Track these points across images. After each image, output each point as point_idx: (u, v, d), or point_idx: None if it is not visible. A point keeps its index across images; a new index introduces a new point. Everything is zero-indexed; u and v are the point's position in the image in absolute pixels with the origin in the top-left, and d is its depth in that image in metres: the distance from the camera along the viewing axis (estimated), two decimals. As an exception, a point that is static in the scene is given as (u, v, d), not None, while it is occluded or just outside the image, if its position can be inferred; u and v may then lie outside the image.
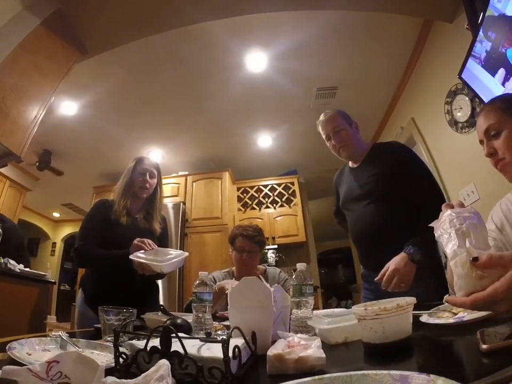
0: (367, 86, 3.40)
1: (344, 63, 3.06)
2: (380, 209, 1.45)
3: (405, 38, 2.83)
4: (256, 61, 2.99)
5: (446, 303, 0.89)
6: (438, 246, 1.41)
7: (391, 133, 3.73)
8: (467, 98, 2.25)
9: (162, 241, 1.66)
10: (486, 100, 1.71)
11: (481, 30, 1.71)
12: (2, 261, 1.87)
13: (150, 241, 1.41)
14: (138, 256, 1.31)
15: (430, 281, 1.31)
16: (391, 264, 1.26)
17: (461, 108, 2.34)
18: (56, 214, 7.24)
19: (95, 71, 3.00)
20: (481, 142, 0.99)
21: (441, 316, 0.80)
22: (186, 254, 1.44)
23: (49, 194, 5.80)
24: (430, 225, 0.64)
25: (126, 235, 1.48)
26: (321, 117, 1.62)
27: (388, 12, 2.39)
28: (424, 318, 0.80)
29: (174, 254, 1.41)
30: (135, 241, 1.39)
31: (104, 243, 1.48)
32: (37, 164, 4.47)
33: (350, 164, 1.67)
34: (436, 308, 0.88)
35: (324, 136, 1.62)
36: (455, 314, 0.77)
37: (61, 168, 4.75)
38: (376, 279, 1.29)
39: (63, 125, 3.75)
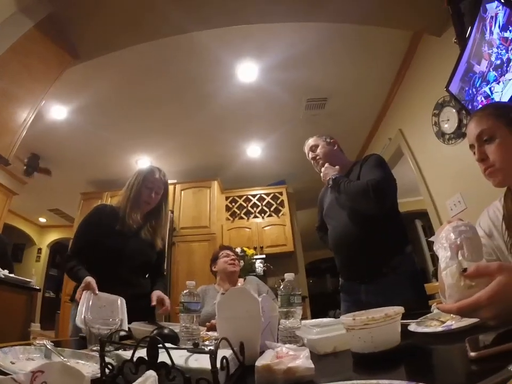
0: (356, 97, 3.44)
1: (334, 74, 3.10)
2: (357, 217, 1.50)
3: (395, 50, 2.88)
4: (247, 71, 2.99)
5: (434, 311, 0.91)
6: (414, 260, 1.51)
7: (379, 143, 3.79)
8: (454, 110, 2.31)
9: (160, 258, 1.76)
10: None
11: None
12: (-15, 267, 1.82)
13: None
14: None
15: (408, 292, 1.37)
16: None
17: (448, 120, 2.39)
18: (42, 220, 7.08)
19: (86, 77, 2.97)
20: (471, 147, 0.99)
21: (430, 325, 0.80)
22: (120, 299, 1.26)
23: (36, 199, 5.67)
24: (430, 239, 0.67)
25: (129, 245, 1.54)
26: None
27: (377, 25, 2.44)
28: (413, 327, 0.80)
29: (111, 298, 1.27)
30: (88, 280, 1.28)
31: (106, 251, 1.48)
32: (25, 167, 4.38)
33: None
34: (424, 317, 0.88)
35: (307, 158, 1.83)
36: (443, 322, 0.77)
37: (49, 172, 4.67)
38: None
39: (52, 129, 3.69)
